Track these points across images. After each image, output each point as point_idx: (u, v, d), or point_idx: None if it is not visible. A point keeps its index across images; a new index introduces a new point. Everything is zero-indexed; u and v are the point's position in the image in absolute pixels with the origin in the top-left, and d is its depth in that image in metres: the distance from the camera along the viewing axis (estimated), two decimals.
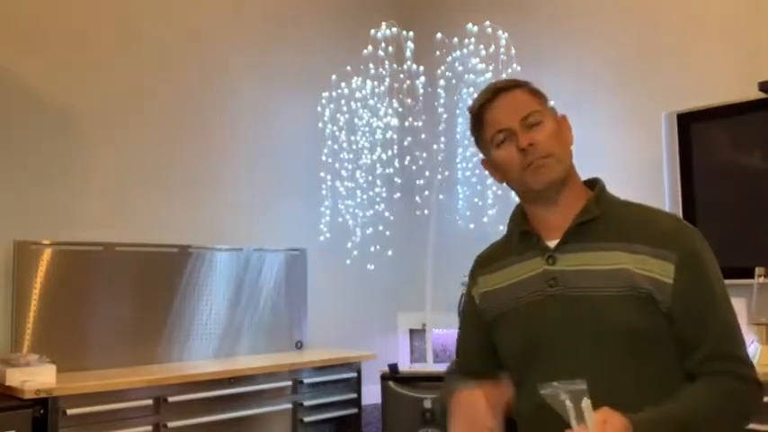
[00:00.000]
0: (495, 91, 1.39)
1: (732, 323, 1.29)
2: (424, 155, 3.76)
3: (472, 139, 1.48)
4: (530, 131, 1.34)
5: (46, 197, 3.21)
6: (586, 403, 1.13)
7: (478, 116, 1.41)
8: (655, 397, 1.24)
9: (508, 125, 1.35)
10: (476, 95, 1.46)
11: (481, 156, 1.49)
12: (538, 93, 1.41)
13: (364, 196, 3.80)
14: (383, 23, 3.70)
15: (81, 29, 3.39)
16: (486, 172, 1.50)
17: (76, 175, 3.31)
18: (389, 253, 3.84)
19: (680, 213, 3.17)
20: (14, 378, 2.68)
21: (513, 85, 1.40)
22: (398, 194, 3.87)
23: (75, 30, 3.37)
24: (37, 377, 2.70)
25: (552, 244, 1.37)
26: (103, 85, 3.42)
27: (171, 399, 2.97)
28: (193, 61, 3.75)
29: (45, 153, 3.22)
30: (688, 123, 3.23)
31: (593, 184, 1.43)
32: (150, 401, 2.93)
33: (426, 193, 3.80)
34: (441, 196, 3.81)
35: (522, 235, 1.44)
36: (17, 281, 3.04)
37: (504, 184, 1.47)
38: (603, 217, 1.36)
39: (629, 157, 3.46)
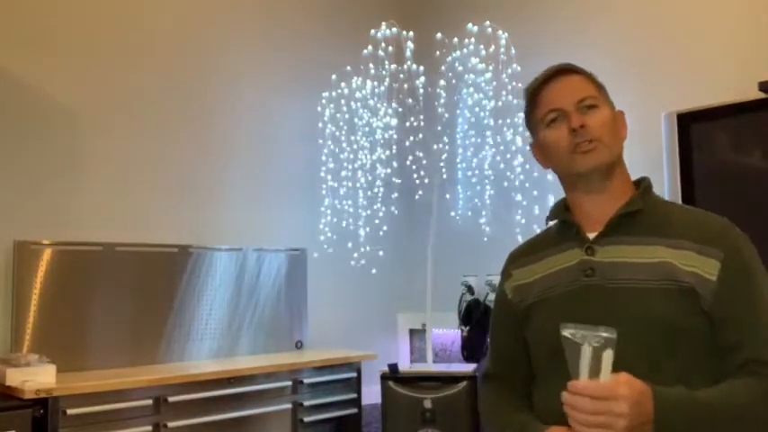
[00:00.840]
0: (555, 72, 1.39)
1: None
2: (424, 155, 3.76)
3: (524, 120, 1.46)
4: (583, 114, 1.33)
5: (46, 197, 3.21)
6: (608, 354, 1.06)
7: (533, 95, 1.39)
8: None
9: (562, 105, 1.34)
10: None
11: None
12: (598, 82, 1.40)
13: (364, 196, 3.80)
14: (383, 23, 3.70)
15: (82, 30, 3.39)
16: (534, 157, 1.46)
17: (77, 176, 3.31)
18: (389, 253, 3.84)
19: None
20: (14, 378, 2.67)
21: (573, 70, 1.40)
22: (398, 194, 3.87)
23: (75, 30, 3.37)
24: (37, 377, 2.70)
25: (592, 235, 1.34)
26: (104, 86, 3.42)
27: (171, 399, 2.97)
28: (193, 61, 3.75)
29: (45, 153, 3.22)
30: (688, 123, 3.23)
31: (640, 183, 1.42)
32: (150, 401, 2.93)
33: (426, 193, 3.79)
34: (442, 196, 3.81)
35: (561, 226, 1.41)
36: (17, 281, 3.04)
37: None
38: (648, 211, 1.33)
39: (629, 157, 3.44)
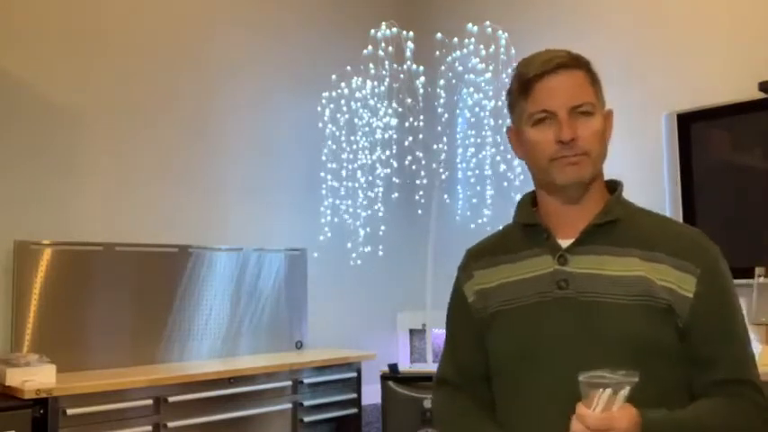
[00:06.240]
0: (558, 65, 1.26)
1: (748, 347, 1.24)
2: (424, 155, 3.76)
3: (506, 97, 1.35)
4: (576, 122, 1.23)
5: (46, 197, 3.21)
6: (625, 390, 1.07)
7: (528, 84, 1.26)
8: None
9: (555, 109, 1.23)
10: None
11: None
12: (597, 80, 1.30)
13: (364, 196, 3.80)
14: (383, 23, 3.70)
15: (81, 29, 3.38)
16: (509, 142, 1.37)
17: (77, 176, 3.31)
18: (389, 253, 3.84)
19: (680, 214, 3.17)
20: (14, 378, 2.68)
21: (576, 64, 1.28)
22: (398, 194, 3.87)
23: (75, 30, 3.37)
24: (37, 377, 2.70)
25: (564, 243, 1.27)
26: (104, 86, 3.42)
27: (171, 399, 2.97)
28: (193, 61, 3.75)
29: (45, 153, 3.22)
30: (688, 123, 3.23)
31: (614, 185, 1.33)
32: (150, 401, 2.93)
33: (426, 193, 3.80)
34: (441, 196, 3.81)
35: (528, 228, 1.34)
36: (17, 281, 3.04)
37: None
38: (623, 221, 1.27)
39: (628, 158, 3.46)
